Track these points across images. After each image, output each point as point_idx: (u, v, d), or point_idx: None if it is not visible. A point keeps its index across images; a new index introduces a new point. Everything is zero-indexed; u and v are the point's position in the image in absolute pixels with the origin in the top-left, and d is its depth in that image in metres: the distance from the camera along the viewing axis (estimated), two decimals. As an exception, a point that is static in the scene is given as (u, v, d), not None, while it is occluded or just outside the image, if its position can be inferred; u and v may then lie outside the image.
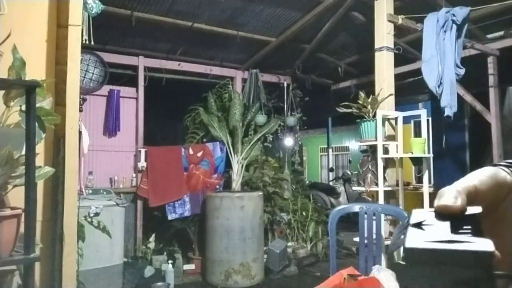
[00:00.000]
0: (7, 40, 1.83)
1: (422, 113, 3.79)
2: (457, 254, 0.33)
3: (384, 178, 3.65)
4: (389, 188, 3.78)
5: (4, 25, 1.95)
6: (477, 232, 0.36)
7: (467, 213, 0.38)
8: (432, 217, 0.38)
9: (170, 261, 4.94)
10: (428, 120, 3.77)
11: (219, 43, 5.79)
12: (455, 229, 0.35)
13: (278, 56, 6.28)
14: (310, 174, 12.30)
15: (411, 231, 0.36)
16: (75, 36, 2.26)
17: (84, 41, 2.63)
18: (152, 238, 5.30)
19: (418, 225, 0.37)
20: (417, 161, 3.99)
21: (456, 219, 0.37)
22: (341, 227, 5.81)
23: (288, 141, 7.01)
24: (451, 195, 0.39)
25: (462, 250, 0.33)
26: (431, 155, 3.70)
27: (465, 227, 0.35)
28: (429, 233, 0.35)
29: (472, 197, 0.40)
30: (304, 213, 6.14)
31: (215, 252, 4.84)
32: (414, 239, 0.35)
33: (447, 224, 0.36)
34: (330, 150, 10.38)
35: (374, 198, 3.90)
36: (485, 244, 0.33)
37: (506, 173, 0.43)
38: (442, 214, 0.38)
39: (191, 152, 5.75)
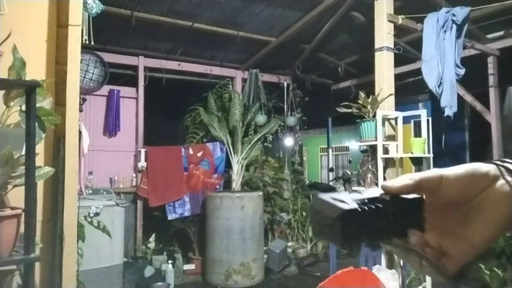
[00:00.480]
0: (7, 40, 1.83)
1: (422, 113, 3.79)
2: (327, 204, 0.43)
3: (384, 178, 3.65)
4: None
5: (4, 25, 1.95)
6: (407, 214, 0.45)
7: (409, 196, 0.45)
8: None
9: (170, 261, 4.94)
10: (428, 120, 3.77)
11: (219, 43, 5.79)
12: (370, 202, 0.44)
13: (278, 56, 6.28)
14: (310, 174, 12.28)
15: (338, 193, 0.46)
16: (75, 36, 2.26)
17: (84, 41, 2.63)
18: (152, 238, 5.30)
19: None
20: (417, 161, 3.99)
21: (396, 198, 0.45)
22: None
23: (288, 141, 7.01)
24: (398, 178, 0.46)
25: (329, 203, 0.43)
26: (431, 155, 3.70)
27: (376, 204, 0.43)
28: (339, 194, 0.45)
29: (435, 184, 0.45)
30: (304, 213, 6.14)
31: (215, 252, 4.85)
32: (325, 194, 0.45)
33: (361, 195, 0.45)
34: (330, 150, 10.36)
35: (374, 198, 3.89)
36: (345, 205, 0.42)
37: (492, 168, 0.46)
38: (384, 191, 0.46)
39: (191, 152, 5.75)
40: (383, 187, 0.46)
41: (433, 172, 0.46)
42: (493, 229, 0.45)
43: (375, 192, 0.46)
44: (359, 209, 0.42)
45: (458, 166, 0.46)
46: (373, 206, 0.43)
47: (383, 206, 0.44)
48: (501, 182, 0.45)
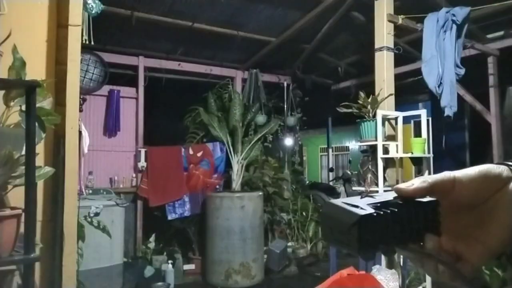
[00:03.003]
0: (7, 40, 1.83)
1: (422, 113, 3.78)
2: (342, 210, 0.42)
3: (384, 178, 3.65)
4: (389, 188, 3.76)
5: (4, 25, 1.95)
6: (421, 216, 0.43)
7: (424, 200, 0.44)
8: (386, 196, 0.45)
9: (170, 261, 4.94)
10: (428, 120, 3.77)
11: (219, 43, 5.79)
12: (382, 207, 0.43)
13: (278, 56, 6.27)
14: (310, 174, 12.29)
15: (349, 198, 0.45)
16: (75, 36, 2.26)
17: (84, 41, 2.63)
18: (152, 238, 5.30)
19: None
20: (417, 161, 3.99)
21: (411, 202, 0.44)
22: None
23: (288, 141, 7.01)
24: (412, 181, 0.45)
25: (344, 209, 0.42)
26: (431, 155, 3.70)
27: (392, 208, 0.42)
28: (352, 199, 0.44)
29: (449, 186, 0.44)
30: (304, 213, 6.14)
31: (215, 252, 4.84)
32: (337, 200, 0.44)
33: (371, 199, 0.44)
34: (330, 150, 10.36)
35: (374, 198, 3.89)
36: (360, 211, 0.41)
37: (505, 169, 0.45)
38: (398, 194, 0.45)
39: (191, 152, 5.75)
40: (397, 190, 0.45)
41: (446, 174, 0.45)
42: (508, 231, 0.44)
43: (387, 195, 0.45)
44: (375, 214, 0.41)
45: (470, 168, 0.46)
46: (388, 211, 0.42)
47: (398, 210, 0.42)
48: None
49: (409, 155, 3.69)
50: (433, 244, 0.44)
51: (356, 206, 0.42)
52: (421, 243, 0.44)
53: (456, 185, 0.45)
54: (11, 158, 1.53)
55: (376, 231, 0.41)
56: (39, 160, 1.90)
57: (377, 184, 3.64)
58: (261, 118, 6.17)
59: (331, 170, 10.29)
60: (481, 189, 0.45)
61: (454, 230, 0.46)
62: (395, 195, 0.45)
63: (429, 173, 3.76)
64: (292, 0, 4.76)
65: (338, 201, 0.43)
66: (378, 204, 0.42)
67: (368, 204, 0.42)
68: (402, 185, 0.45)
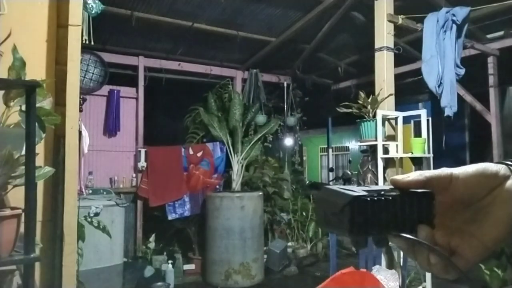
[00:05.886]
0: (7, 40, 1.83)
1: (422, 113, 3.79)
2: (336, 192, 0.44)
3: (384, 178, 3.64)
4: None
5: (4, 25, 1.95)
6: (416, 207, 0.44)
7: (419, 191, 0.45)
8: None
9: (170, 261, 4.94)
10: (428, 120, 3.77)
11: (219, 43, 5.79)
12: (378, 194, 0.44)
13: (278, 56, 6.27)
14: (310, 174, 12.28)
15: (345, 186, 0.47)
16: (75, 36, 2.25)
17: (84, 41, 2.63)
18: (152, 238, 5.30)
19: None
20: (417, 161, 3.99)
21: (406, 192, 0.45)
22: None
23: (288, 141, 7.01)
24: (409, 174, 0.46)
25: (339, 191, 0.44)
26: (431, 155, 3.70)
27: (386, 196, 0.44)
28: (348, 186, 0.46)
29: (445, 182, 0.45)
30: (304, 213, 6.14)
31: (215, 252, 4.84)
32: (333, 185, 0.46)
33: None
34: (330, 150, 10.35)
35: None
36: (354, 193, 0.42)
37: (502, 168, 0.46)
38: (394, 186, 0.46)
39: (191, 152, 5.75)
40: (392, 181, 0.46)
41: (444, 170, 0.46)
42: (504, 229, 0.44)
43: (384, 187, 0.46)
44: (369, 199, 0.42)
45: (468, 165, 0.46)
46: (382, 198, 0.43)
47: (392, 198, 0.43)
48: (511, 181, 0.45)
49: (409, 155, 3.69)
50: (426, 234, 0.44)
51: (352, 190, 0.43)
52: (414, 234, 0.44)
53: (453, 181, 0.45)
54: (11, 158, 1.53)
55: (368, 215, 0.42)
56: (39, 160, 1.90)
57: (377, 184, 3.64)
58: (261, 118, 6.17)
59: (331, 170, 10.28)
60: (478, 186, 0.45)
61: (450, 226, 0.47)
62: (392, 187, 0.46)
63: (429, 173, 3.74)
64: (292, 0, 4.76)
65: (334, 186, 0.45)
66: (373, 192, 0.44)
67: (363, 191, 0.43)
68: (398, 176, 0.46)
